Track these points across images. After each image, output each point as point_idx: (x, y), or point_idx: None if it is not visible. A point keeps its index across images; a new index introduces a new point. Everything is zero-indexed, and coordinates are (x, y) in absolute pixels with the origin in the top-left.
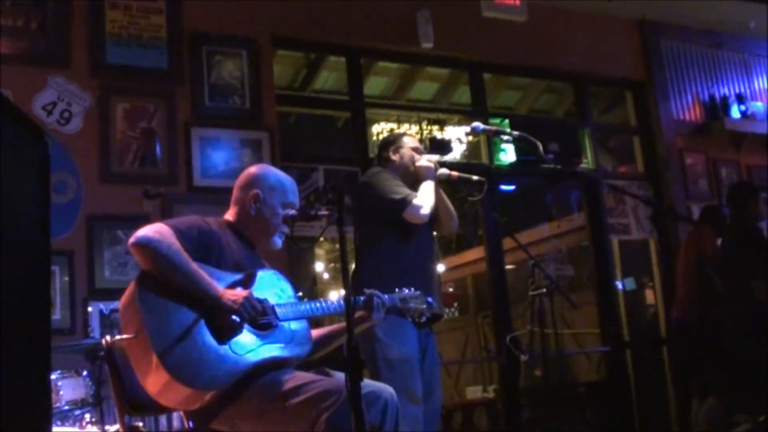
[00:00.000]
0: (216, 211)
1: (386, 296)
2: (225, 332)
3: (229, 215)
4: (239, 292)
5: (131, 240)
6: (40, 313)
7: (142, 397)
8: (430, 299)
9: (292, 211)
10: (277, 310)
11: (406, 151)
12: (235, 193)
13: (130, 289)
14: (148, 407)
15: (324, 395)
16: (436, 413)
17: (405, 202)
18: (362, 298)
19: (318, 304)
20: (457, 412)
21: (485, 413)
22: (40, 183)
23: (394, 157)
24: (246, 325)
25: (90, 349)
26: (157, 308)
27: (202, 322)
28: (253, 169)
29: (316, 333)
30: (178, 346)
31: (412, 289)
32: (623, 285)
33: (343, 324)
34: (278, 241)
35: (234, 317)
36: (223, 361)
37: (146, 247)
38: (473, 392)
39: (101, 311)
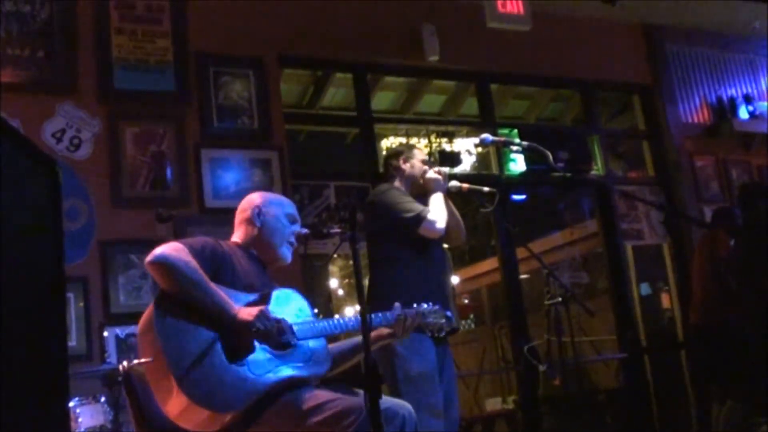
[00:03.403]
0: (229, 232)
1: (411, 313)
2: (241, 350)
3: (236, 238)
4: (254, 308)
5: (148, 258)
6: (57, 342)
7: (161, 421)
8: (449, 313)
9: (304, 230)
10: (295, 328)
11: (416, 162)
12: (237, 217)
13: (148, 313)
14: (168, 430)
15: (344, 414)
16: (454, 426)
17: (419, 219)
18: (392, 314)
19: (336, 322)
20: (477, 424)
21: (505, 424)
22: (53, 212)
23: (404, 166)
24: (265, 345)
25: (107, 374)
26: (175, 331)
27: (220, 342)
28: (250, 195)
29: (334, 348)
30: (196, 369)
31: (431, 303)
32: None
33: (360, 338)
34: (287, 253)
35: (251, 331)
36: (242, 381)
37: (164, 264)
38: (493, 404)
39: (117, 336)
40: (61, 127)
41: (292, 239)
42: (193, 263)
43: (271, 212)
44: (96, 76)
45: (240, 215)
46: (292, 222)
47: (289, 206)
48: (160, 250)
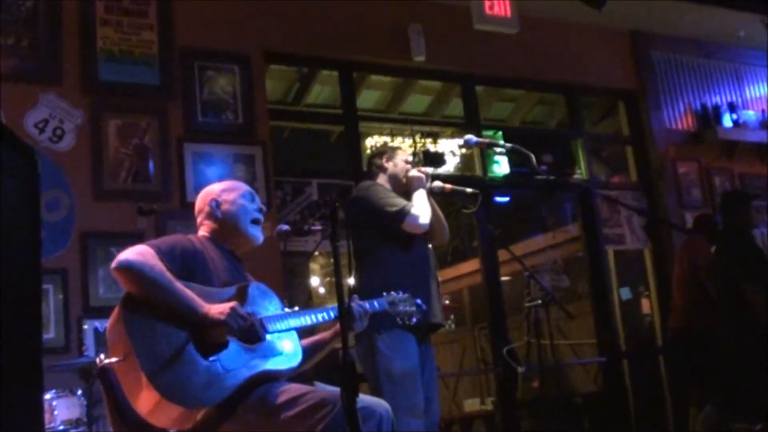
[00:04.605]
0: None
1: (374, 302)
2: (213, 347)
3: (204, 232)
4: (225, 305)
5: (113, 264)
6: (32, 334)
7: (137, 416)
8: (419, 301)
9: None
10: (266, 323)
11: (399, 161)
12: (198, 217)
13: (116, 311)
14: (143, 426)
15: (318, 406)
16: (433, 426)
17: (403, 213)
18: (364, 304)
19: (306, 315)
20: (456, 424)
21: (483, 425)
22: (30, 202)
23: (388, 164)
24: (236, 340)
25: (84, 367)
26: (144, 329)
27: (191, 340)
28: (200, 192)
29: (306, 342)
30: (167, 366)
31: (401, 292)
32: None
33: (329, 333)
34: (255, 233)
35: (223, 329)
36: (213, 377)
37: (128, 270)
38: (471, 404)
39: (96, 329)
40: (43, 117)
41: (256, 215)
42: (159, 266)
43: (228, 198)
44: (80, 67)
45: (200, 214)
46: (251, 200)
47: (243, 187)
48: (124, 255)
